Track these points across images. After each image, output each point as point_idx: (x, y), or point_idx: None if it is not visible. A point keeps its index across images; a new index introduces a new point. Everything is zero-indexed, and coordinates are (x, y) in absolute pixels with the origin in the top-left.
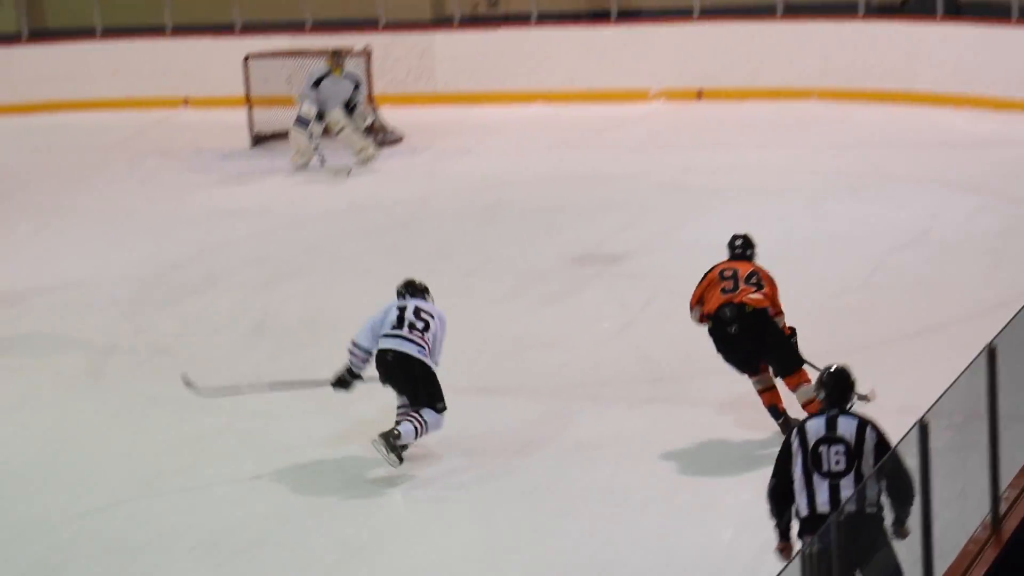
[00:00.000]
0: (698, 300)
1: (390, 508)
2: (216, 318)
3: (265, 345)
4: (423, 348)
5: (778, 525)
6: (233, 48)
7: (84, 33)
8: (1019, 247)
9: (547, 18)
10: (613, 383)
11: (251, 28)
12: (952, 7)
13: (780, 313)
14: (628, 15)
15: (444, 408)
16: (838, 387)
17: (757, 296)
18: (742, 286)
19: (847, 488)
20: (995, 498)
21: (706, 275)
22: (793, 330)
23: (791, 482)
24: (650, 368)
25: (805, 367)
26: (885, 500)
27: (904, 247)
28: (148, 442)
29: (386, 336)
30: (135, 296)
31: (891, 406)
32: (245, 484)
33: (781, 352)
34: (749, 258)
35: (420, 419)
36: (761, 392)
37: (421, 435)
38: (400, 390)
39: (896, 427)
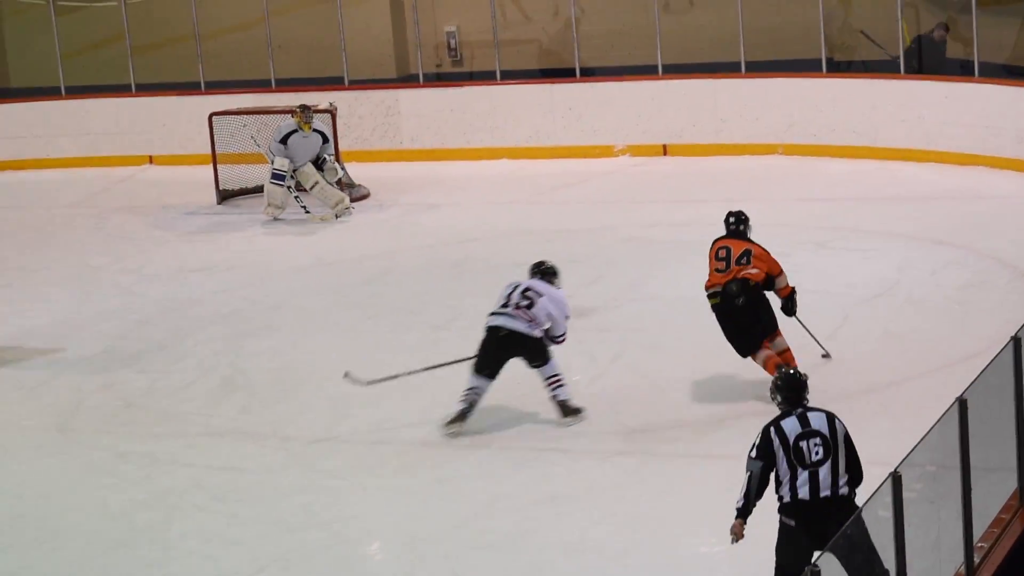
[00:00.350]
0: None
1: (366, 561)
2: (185, 374)
3: (235, 400)
4: (529, 323)
5: (747, 505)
6: (198, 106)
7: (48, 92)
8: (986, 300)
9: (511, 76)
10: (584, 436)
11: (216, 86)
12: (913, 65)
13: (781, 273)
14: (592, 72)
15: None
16: (793, 388)
17: (752, 271)
18: (733, 267)
19: (824, 474)
20: (968, 548)
21: (709, 253)
22: (793, 289)
23: (772, 468)
24: (620, 420)
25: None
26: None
27: (872, 300)
28: (118, 498)
29: (493, 314)
30: (103, 352)
31: (863, 457)
32: (216, 539)
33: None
34: (743, 234)
35: (554, 376)
36: (777, 355)
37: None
38: (501, 360)
39: (869, 478)
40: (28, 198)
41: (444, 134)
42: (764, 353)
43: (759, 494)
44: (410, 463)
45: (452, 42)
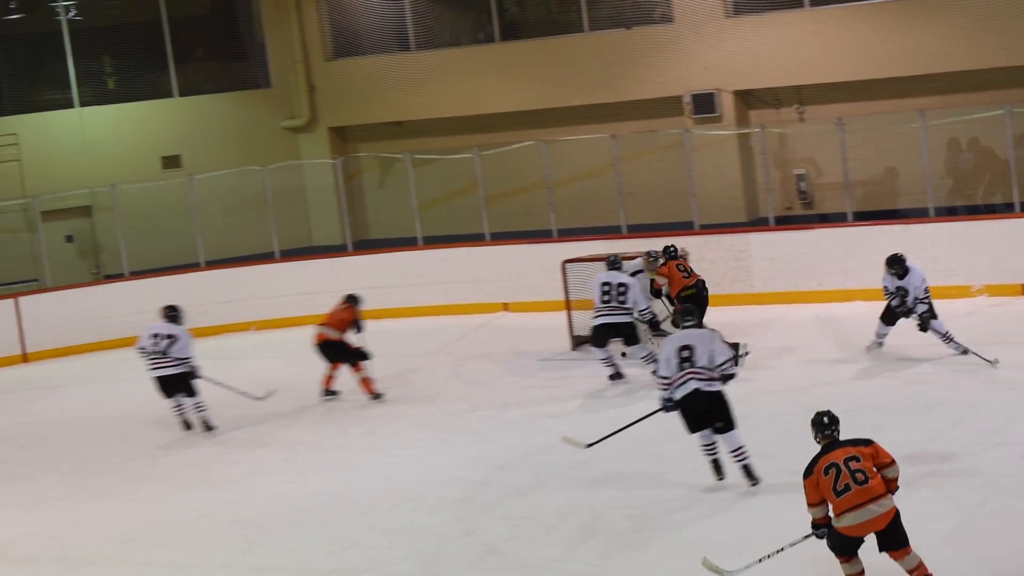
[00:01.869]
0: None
1: None
2: (544, 519)
3: (594, 545)
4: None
5: None
6: (550, 253)
7: (406, 243)
8: None
9: (863, 217)
10: None
11: (567, 233)
12: None
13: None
14: (947, 212)
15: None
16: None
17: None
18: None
19: None
20: None
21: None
22: None
23: None
24: (992, 571)
25: None
26: None
27: None
28: None
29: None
30: (464, 498)
31: None
32: None
33: None
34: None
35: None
36: None
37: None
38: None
39: None
40: (389, 346)
41: (796, 277)
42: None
43: None
44: None
45: (802, 185)
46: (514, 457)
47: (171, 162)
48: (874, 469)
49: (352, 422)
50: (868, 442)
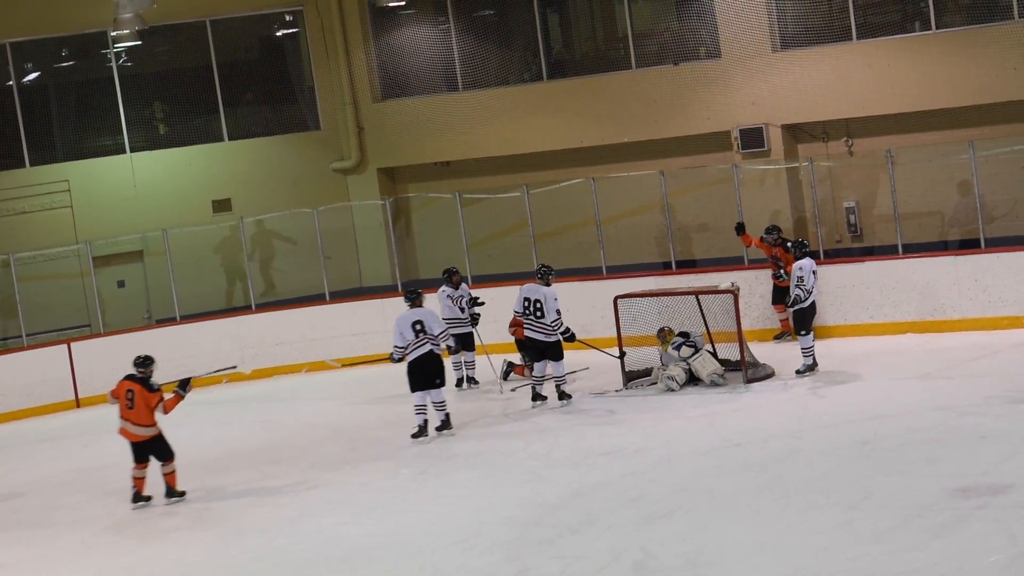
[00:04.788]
0: None
1: None
2: (596, 558)
3: None
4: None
5: None
6: (601, 289)
7: None
8: None
9: (913, 249)
10: None
11: (617, 270)
12: None
13: None
14: (996, 242)
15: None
16: None
17: None
18: None
19: None
20: None
21: None
22: None
23: None
24: None
25: None
26: None
27: None
28: None
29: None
30: (516, 537)
31: None
32: None
33: None
34: None
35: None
36: None
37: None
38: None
39: None
40: None
41: (846, 310)
42: None
43: None
44: None
45: (852, 217)
46: (566, 495)
47: (222, 205)
48: None
49: (403, 462)
50: None
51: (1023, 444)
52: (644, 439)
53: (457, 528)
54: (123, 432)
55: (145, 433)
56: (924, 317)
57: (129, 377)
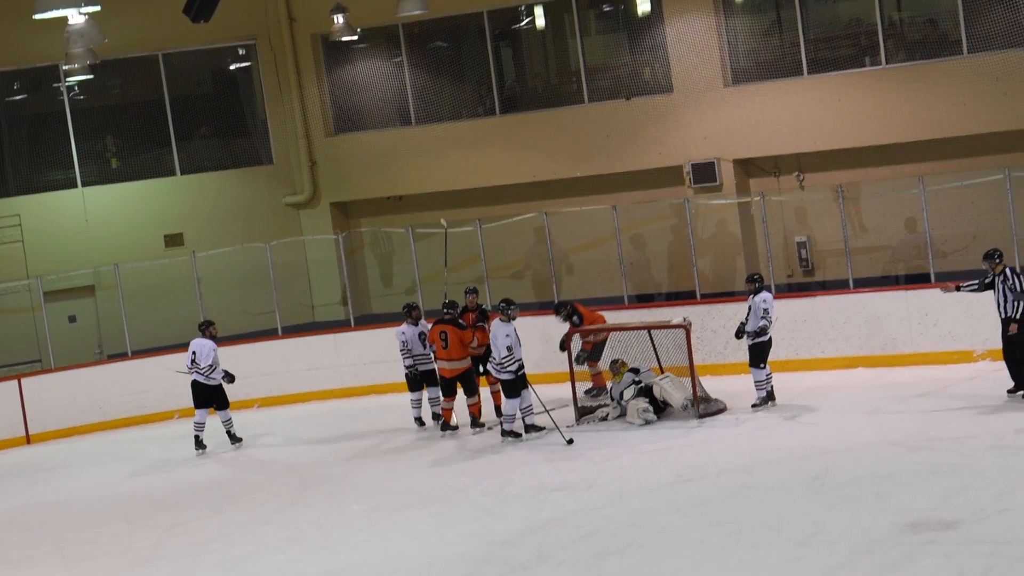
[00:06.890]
0: None
1: None
2: None
3: None
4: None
5: None
6: (554, 324)
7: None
8: None
9: (864, 284)
10: None
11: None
12: None
13: None
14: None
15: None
16: None
17: None
18: None
19: None
20: None
21: None
22: None
23: None
24: None
25: None
26: None
27: None
28: None
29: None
30: (467, 574)
31: None
32: None
33: None
34: None
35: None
36: None
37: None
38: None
39: None
40: (390, 420)
41: (798, 344)
42: None
43: None
44: None
45: (803, 252)
46: (518, 531)
47: (174, 240)
48: None
49: (353, 499)
50: None
51: (973, 479)
52: (597, 474)
53: (408, 565)
54: (441, 372)
55: (461, 366)
56: (875, 351)
57: (439, 321)
